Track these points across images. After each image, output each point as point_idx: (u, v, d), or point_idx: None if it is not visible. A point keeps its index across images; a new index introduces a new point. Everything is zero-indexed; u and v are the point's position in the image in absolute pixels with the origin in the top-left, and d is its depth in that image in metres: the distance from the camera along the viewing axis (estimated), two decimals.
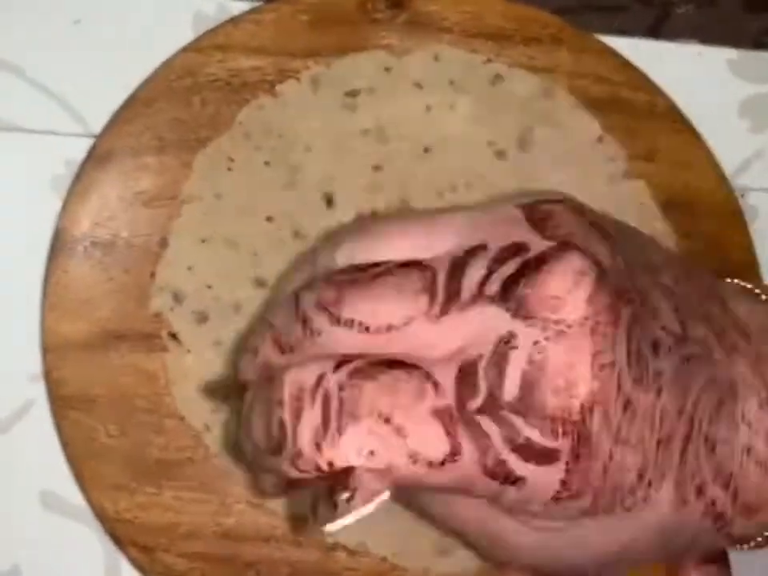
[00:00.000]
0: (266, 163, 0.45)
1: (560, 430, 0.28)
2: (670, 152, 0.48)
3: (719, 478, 0.31)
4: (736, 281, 0.37)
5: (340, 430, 0.28)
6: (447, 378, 0.28)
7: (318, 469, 0.28)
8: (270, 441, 0.29)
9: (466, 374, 0.28)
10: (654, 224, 0.46)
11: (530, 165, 0.46)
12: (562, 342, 0.28)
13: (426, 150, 0.46)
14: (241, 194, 0.44)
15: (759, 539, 0.34)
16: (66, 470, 0.43)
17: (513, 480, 0.28)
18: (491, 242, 0.30)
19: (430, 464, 0.28)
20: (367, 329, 0.29)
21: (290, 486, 0.31)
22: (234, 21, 0.46)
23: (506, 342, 0.28)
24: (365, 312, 0.29)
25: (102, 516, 0.42)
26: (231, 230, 0.44)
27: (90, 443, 0.42)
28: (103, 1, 0.51)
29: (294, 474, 0.29)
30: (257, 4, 0.47)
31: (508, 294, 0.29)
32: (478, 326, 0.28)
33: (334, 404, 0.28)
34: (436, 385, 0.28)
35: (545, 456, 0.28)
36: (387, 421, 0.28)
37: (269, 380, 0.30)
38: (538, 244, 0.30)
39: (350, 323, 0.29)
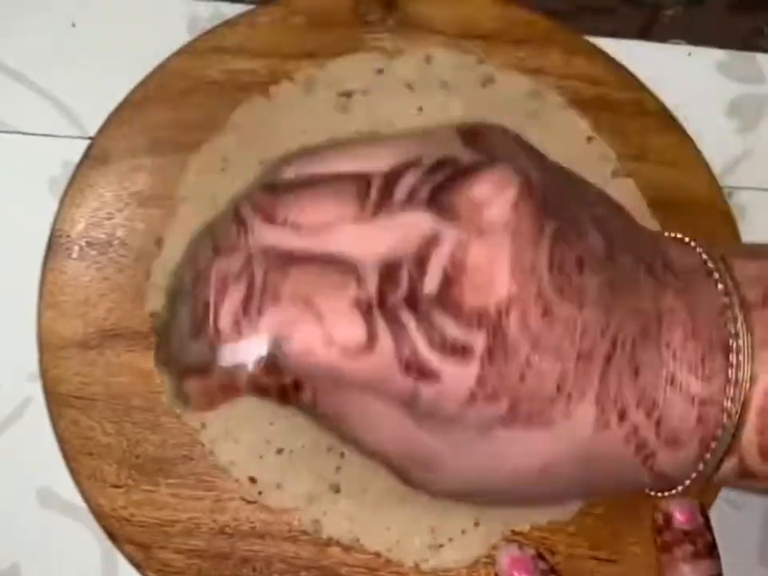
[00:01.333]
0: (261, 162, 0.45)
1: (476, 326, 0.28)
2: (659, 151, 0.48)
3: (642, 405, 0.31)
4: (670, 233, 0.38)
5: (260, 311, 0.28)
6: (371, 273, 0.29)
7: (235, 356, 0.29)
8: (195, 323, 0.30)
9: (390, 270, 0.29)
10: (643, 222, 0.47)
11: None
12: (484, 242, 0.29)
13: None
14: (235, 193, 0.45)
15: (687, 482, 0.34)
16: (63, 468, 0.44)
17: (428, 374, 0.29)
18: (426, 157, 0.31)
19: (346, 351, 0.28)
20: (299, 227, 0.30)
21: (211, 393, 0.31)
22: (228, 23, 0.47)
23: (430, 242, 0.29)
24: (297, 211, 0.30)
25: (98, 513, 0.43)
26: None
27: (87, 441, 0.43)
28: (99, 4, 0.51)
29: (215, 362, 0.29)
30: (251, 7, 0.48)
31: (436, 199, 0.29)
32: (406, 228, 0.29)
33: (258, 285, 0.29)
34: (359, 278, 0.29)
35: (459, 351, 0.28)
36: (308, 305, 0.28)
37: (199, 274, 0.31)
38: (469, 157, 0.31)
39: (282, 222, 0.30)
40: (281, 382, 0.30)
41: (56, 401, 0.43)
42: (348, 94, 0.46)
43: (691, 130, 0.50)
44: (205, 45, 0.46)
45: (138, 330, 0.44)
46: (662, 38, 0.52)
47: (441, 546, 0.43)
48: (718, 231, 0.48)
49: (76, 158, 0.45)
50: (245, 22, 0.47)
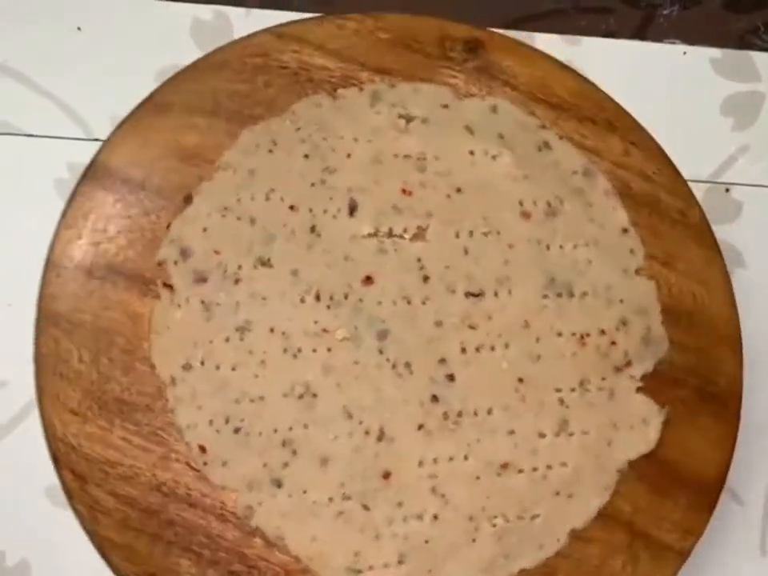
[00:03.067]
0: (306, 156, 0.46)
1: None
2: (689, 263, 0.48)
3: None
4: None
5: None
6: None
7: None
8: None
9: None
10: (651, 325, 0.47)
11: (550, 233, 0.47)
12: None
13: (458, 191, 0.47)
14: (274, 176, 0.46)
15: None
16: None
17: None
18: None
19: None
20: None
21: None
22: (318, 20, 0.48)
23: None
24: None
25: (49, 434, 0.43)
26: (254, 207, 0.45)
27: (61, 363, 0.44)
28: (104, 9, 0.53)
29: None
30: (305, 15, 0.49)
31: None
32: None
33: None
34: None
35: None
36: None
37: None
38: None
39: None
40: None
41: (45, 316, 0.44)
42: (409, 118, 0.47)
43: (687, 128, 0.51)
44: (291, 32, 0.47)
45: (143, 274, 0.44)
46: (658, 38, 0.53)
47: (360, 572, 0.43)
48: (722, 355, 0.48)
49: (81, 159, 0.46)
50: (334, 23, 0.48)
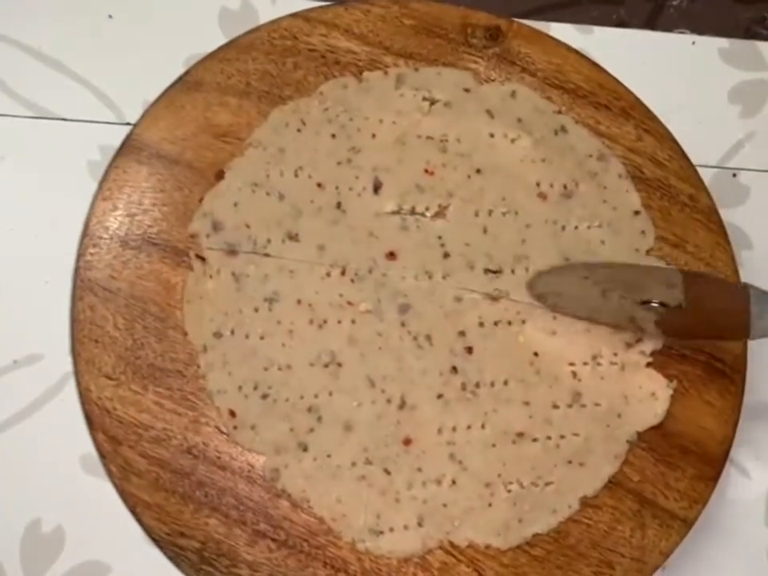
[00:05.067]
0: (333, 135, 0.48)
1: None
2: (698, 246, 0.50)
3: None
4: None
5: None
6: None
7: None
8: None
9: None
10: None
11: (566, 213, 0.49)
12: None
13: (478, 171, 0.49)
14: (302, 155, 0.48)
15: None
16: None
17: None
18: None
19: None
20: None
21: None
22: (345, 4, 0.50)
23: None
24: None
25: (84, 397, 0.45)
26: (283, 184, 0.47)
27: (96, 329, 0.45)
28: None
29: None
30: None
31: None
32: None
33: None
34: None
35: None
36: None
37: None
38: None
39: None
40: None
41: (82, 284, 0.46)
42: (432, 101, 0.49)
43: (696, 115, 0.54)
44: (319, 16, 0.49)
45: (176, 246, 0.46)
46: (668, 28, 0.56)
47: (381, 532, 0.45)
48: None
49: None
50: (360, 8, 0.50)
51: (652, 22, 0.55)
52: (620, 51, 0.56)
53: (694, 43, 0.55)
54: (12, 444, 0.50)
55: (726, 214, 0.50)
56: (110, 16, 0.54)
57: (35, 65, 0.54)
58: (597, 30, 0.56)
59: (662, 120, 0.51)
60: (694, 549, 0.53)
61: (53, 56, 0.54)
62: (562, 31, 0.57)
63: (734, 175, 0.54)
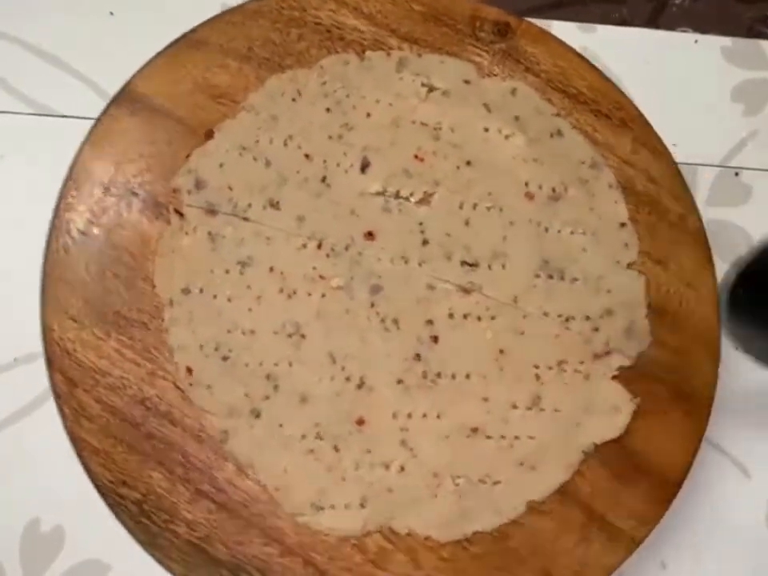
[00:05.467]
0: (328, 110, 0.48)
1: None
2: (681, 267, 0.50)
3: None
4: None
5: None
6: None
7: None
8: None
9: None
10: (635, 319, 0.48)
11: (550, 216, 0.49)
12: None
13: (468, 163, 0.49)
14: (294, 124, 0.48)
15: None
16: None
17: None
18: None
19: None
20: None
21: None
22: None
23: None
24: None
25: (46, 336, 0.45)
26: (271, 151, 0.47)
27: (67, 270, 0.46)
28: None
29: None
30: None
31: None
32: None
33: None
34: None
35: None
36: None
37: None
38: None
39: None
40: None
41: (60, 224, 0.46)
42: (431, 88, 0.49)
43: (699, 114, 0.53)
44: None
45: (157, 198, 0.47)
46: (670, 26, 0.55)
47: (322, 508, 0.45)
48: (700, 359, 0.49)
49: None
50: None
51: (654, 20, 0.55)
52: (622, 50, 0.56)
53: (696, 42, 0.55)
54: (12, 442, 0.50)
55: (727, 214, 0.50)
56: (111, 13, 0.54)
57: (36, 62, 0.54)
58: (599, 28, 0.56)
59: (664, 119, 0.50)
60: (694, 548, 0.52)
61: (53, 53, 0.54)
62: (564, 29, 0.56)
63: (737, 174, 0.53)
